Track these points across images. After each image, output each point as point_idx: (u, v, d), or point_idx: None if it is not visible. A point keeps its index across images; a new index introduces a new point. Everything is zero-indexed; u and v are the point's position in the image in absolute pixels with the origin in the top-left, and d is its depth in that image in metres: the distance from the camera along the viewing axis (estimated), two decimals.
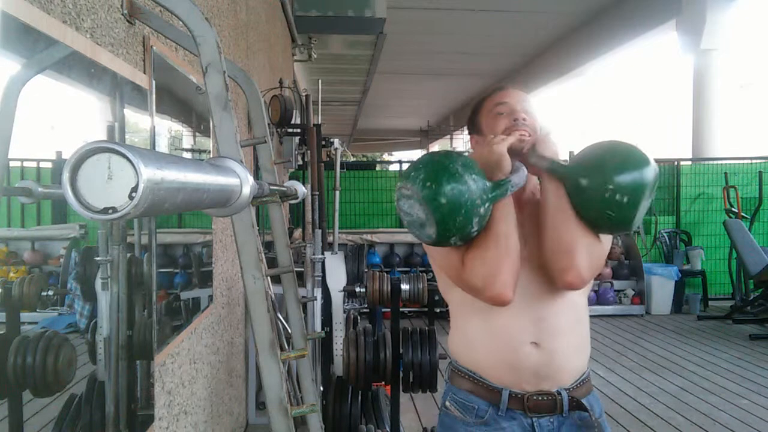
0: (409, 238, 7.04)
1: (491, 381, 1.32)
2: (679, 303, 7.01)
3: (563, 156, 1.35)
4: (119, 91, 1.32)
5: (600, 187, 1.20)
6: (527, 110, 1.39)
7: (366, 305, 4.25)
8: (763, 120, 14.02)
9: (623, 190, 1.18)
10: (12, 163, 0.94)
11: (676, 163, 7.76)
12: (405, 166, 8.68)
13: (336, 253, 4.15)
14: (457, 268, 1.30)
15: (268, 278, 0.92)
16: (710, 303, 7.27)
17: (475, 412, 1.33)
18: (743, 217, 6.83)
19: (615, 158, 1.21)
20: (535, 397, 1.29)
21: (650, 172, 1.20)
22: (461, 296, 1.35)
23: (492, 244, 1.23)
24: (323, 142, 4.96)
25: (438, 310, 6.75)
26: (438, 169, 1.17)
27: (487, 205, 1.20)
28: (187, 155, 2.07)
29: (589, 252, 1.26)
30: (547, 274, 1.29)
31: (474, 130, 1.47)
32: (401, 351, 2.50)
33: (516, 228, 1.26)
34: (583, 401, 1.31)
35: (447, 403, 1.39)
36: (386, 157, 26.76)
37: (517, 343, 1.30)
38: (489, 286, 1.23)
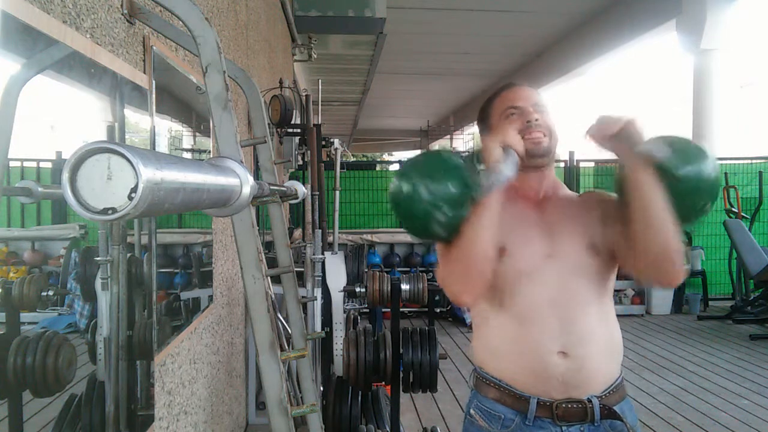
0: (410, 238, 7.02)
1: (518, 389, 1.27)
2: (679, 303, 7.01)
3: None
4: (119, 91, 1.32)
5: (698, 179, 1.21)
6: (541, 110, 1.32)
7: (366, 305, 4.24)
8: (763, 120, 14.01)
9: (711, 186, 1.22)
10: (12, 163, 0.94)
11: None
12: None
13: (336, 253, 4.15)
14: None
15: (268, 278, 0.92)
16: (710, 303, 7.28)
17: (501, 422, 1.28)
18: (743, 217, 6.83)
19: (699, 151, 1.23)
20: (564, 405, 1.24)
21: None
22: (484, 303, 1.32)
23: (454, 247, 1.21)
24: (323, 142, 4.96)
25: (438, 310, 6.76)
26: (401, 174, 1.23)
27: (453, 210, 1.17)
28: (187, 155, 2.06)
29: None
30: (590, 274, 1.27)
31: (485, 131, 1.40)
32: (401, 351, 2.50)
33: (488, 230, 1.18)
34: (615, 408, 1.26)
35: (472, 411, 1.35)
36: (386, 157, 26.75)
37: (543, 352, 1.24)
38: (446, 287, 1.25)
